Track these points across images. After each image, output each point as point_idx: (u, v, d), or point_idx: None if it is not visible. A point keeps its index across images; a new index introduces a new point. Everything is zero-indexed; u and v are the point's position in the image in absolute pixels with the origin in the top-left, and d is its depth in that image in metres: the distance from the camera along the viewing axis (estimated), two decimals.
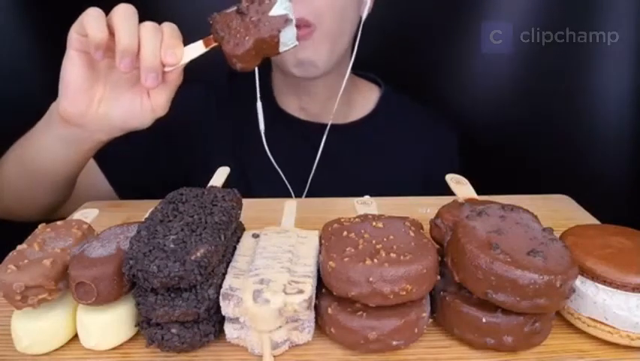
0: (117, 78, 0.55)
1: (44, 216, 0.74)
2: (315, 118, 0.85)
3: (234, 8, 0.53)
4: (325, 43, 0.72)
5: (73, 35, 0.53)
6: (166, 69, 0.53)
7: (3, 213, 0.74)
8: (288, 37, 0.53)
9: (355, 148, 0.86)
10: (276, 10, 0.51)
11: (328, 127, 0.80)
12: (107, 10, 0.54)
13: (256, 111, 0.78)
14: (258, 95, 0.76)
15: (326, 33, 0.71)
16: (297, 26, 0.65)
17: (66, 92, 0.54)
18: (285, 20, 0.52)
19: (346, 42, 0.78)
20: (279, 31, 0.52)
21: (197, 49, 0.53)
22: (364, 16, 0.77)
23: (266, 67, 0.84)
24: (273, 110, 0.83)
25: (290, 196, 0.81)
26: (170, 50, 0.52)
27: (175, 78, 0.55)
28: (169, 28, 0.54)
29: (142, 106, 0.56)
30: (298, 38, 0.54)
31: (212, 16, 0.53)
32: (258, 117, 0.77)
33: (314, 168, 0.81)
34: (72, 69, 0.53)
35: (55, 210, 0.74)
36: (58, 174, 0.65)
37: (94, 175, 0.79)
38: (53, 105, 0.58)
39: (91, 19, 0.51)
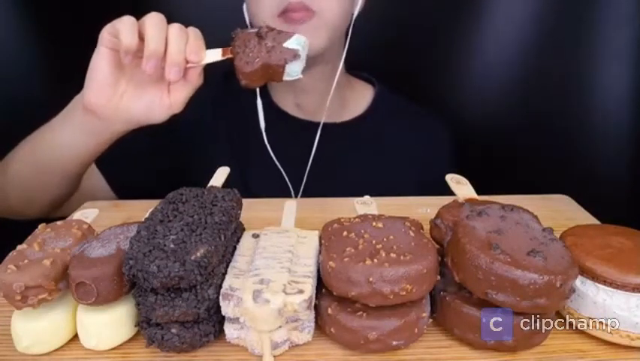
0: (140, 76, 0.59)
1: (45, 215, 0.74)
2: (311, 116, 0.85)
3: (256, 30, 0.57)
4: (322, 30, 0.73)
5: (106, 35, 0.56)
6: (189, 65, 0.57)
7: (6, 212, 0.75)
8: (293, 70, 0.57)
9: (349, 147, 0.86)
10: (290, 44, 0.56)
11: (321, 125, 0.80)
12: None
13: (252, 109, 0.78)
14: (258, 92, 0.76)
15: (324, 21, 0.72)
16: (297, 10, 0.68)
17: (92, 85, 0.57)
18: (295, 55, 0.56)
19: (340, 33, 0.79)
20: (286, 62, 0.56)
21: (216, 55, 0.58)
22: (356, 13, 0.78)
23: None
24: (270, 108, 0.84)
25: (287, 194, 0.81)
26: (194, 49, 0.56)
27: (195, 79, 0.59)
28: (194, 32, 0.58)
29: (161, 102, 0.59)
30: (301, 73, 0.58)
31: (236, 31, 0.58)
32: (259, 114, 0.77)
33: (308, 166, 0.81)
34: (100, 64, 0.57)
35: (57, 208, 0.75)
36: (72, 165, 0.66)
37: (93, 176, 0.79)
38: (77, 97, 0.61)
39: (124, 26, 0.55)
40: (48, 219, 0.52)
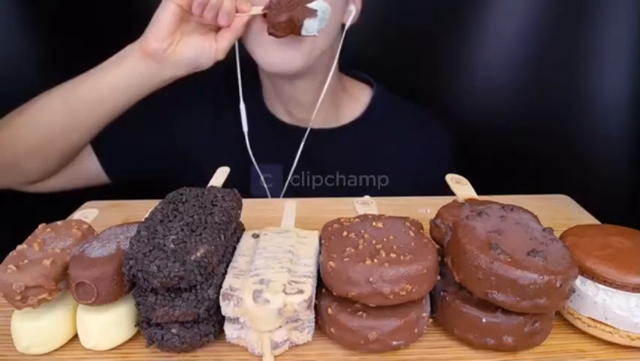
0: (191, 29, 0.70)
1: (48, 172, 0.78)
2: (302, 123, 0.85)
3: None
4: (302, 47, 0.72)
5: None
6: (237, 15, 0.69)
7: (6, 168, 0.77)
8: (310, 26, 0.67)
9: (348, 151, 0.86)
10: (313, 5, 0.66)
11: (307, 132, 0.80)
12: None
13: (247, 113, 0.78)
14: (241, 96, 0.77)
15: (307, 39, 0.71)
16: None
17: (155, 31, 0.68)
18: (313, 14, 0.66)
19: (324, 47, 0.76)
20: (304, 18, 0.66)
21: (257, 10, 0.69)
22: (348, 24, 0.77)
23: (254, 72, 0.85)
24: (262, 114, 0.85)
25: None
26: (243, 1, 0.69)
27: (239, 27, 0.70)
28: None
29: (210, 47, 0.70)
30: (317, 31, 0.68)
31: None
32: (242, 119, 0.78)
33: (291, 172, 0.81)
34: (167, 14, 0.67)
35: (61, 167, 0.78)
36: (113, 105, 0.72)
37: (87, 159, 0.82)
38: (129, 47, 0.70)
39: None
40: (47, 219, 0.52)
